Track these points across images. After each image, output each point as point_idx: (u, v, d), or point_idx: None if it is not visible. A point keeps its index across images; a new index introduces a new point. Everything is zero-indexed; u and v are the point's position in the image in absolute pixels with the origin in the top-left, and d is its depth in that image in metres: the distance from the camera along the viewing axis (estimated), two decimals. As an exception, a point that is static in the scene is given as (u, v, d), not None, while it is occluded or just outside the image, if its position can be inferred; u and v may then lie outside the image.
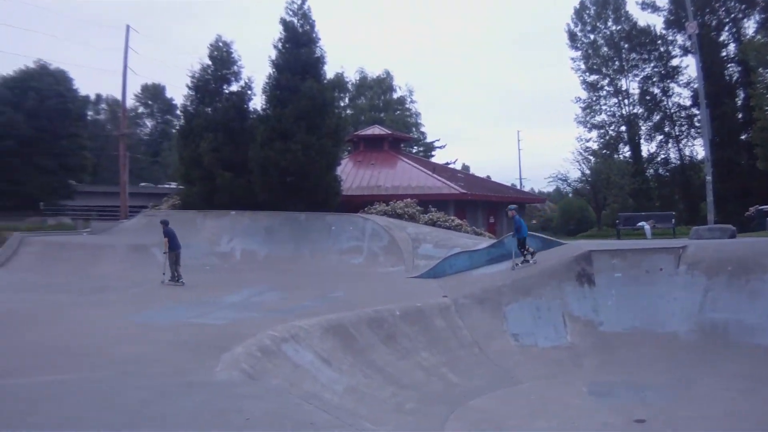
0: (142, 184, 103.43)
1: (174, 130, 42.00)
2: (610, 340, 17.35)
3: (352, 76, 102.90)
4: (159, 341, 12.59)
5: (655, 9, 72.79)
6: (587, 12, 78.28)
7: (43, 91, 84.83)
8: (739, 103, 68.74)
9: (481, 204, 47.39)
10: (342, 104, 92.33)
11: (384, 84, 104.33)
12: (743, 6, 66.95)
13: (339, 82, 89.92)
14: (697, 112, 66.41)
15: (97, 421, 7.12)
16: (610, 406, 13.56)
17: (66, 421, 7.20)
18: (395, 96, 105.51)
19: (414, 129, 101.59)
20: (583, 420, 12.36)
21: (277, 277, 25.92)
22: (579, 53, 78.85)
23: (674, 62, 75.29)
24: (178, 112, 45.80)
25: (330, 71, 38.62)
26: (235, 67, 39.88)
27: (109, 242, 31.64)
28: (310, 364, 12.74)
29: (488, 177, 74.00)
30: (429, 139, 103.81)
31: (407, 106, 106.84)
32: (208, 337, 12.98)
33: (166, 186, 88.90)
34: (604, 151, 77.10)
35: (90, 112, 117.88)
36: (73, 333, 13.46)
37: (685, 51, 70.62)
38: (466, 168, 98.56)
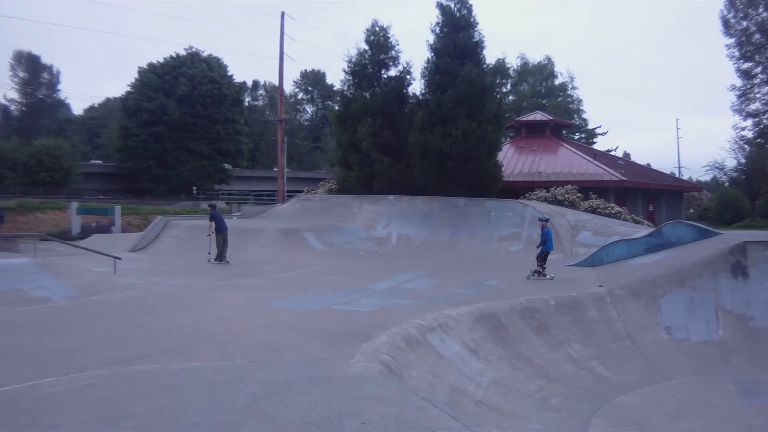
0: (290, 168, 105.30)
1: (335, 117, 42.89)
2: (761, 336, 16.61)
3: (513, 63, 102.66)
4: (298, 328, 12.59)
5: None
6: (739, -1, 74.57)
7: (195, 78, 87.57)
8: None
9: (641, 192, 46.37)
10: (504, 90, 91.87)
11: (545, 70, 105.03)
12: None
13: (500, 68, 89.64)
14: None
15: (198, 419, 6.90)
16: (757, 407, 13.00)
17: (162, 417, 7.03)
18: (556, 82, 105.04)
19: (576, 115, 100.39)
20: (729, 422, 11.87)
21: (432, 263, 25.75)
22: (733, 40, 75.14)
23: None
24: (338, 98, 46.37)
25: (490, 57, 38.72)
26: (393, 52, 40.52)
27: (259, 226, 32.20)
28: (456, 355, 12.51)
29: (648, 165, 72.26)
30: (590, 126, 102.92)
31: (569, 92, 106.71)
32: (350, 325, 12.84)
33: (325, 171, 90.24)
34: (759, 140, 73.80)
35: (248, 99, 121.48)
36: (212, 318, 13.57)
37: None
38: (626, 155, 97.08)
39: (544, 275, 21.60)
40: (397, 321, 12.88)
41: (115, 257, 20.41)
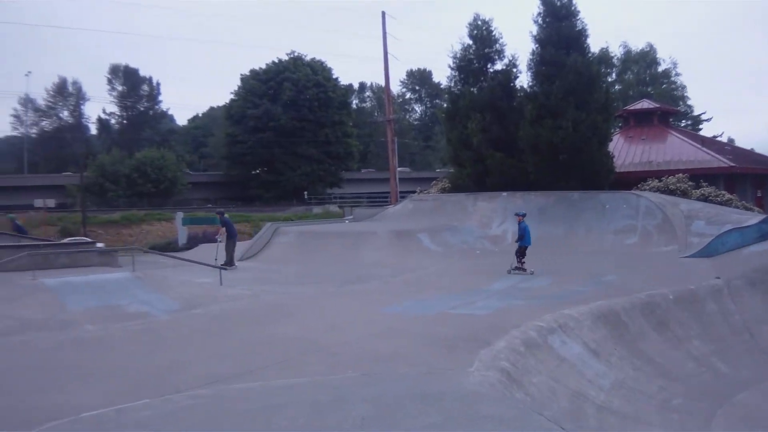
0: (401, 168, 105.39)
1: (443, 115, 43.17)
2: None
3: (616, 51, 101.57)
4: (414, 335, 12.25)
5: None
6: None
7: (299, 82, 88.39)
8: None
9: (750, 177, 45.22)
10: (609, 80, 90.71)
11: (648, 57, 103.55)
12: None
13: (604, 57, 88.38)
14: None
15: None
16: None
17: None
18: (659, 69, 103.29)
19: (681, 102, 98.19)
20: None
21: (548, 259, 25.28)
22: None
23: None
24: (446, 95, 46.48)
25: (594, 46, 38.10)
26: (497, 45, 40.30)
27: (372, 229, 32.03)
28: (577, 357, 12.33)
29: (752, 149, 70.17)
30: (695, 113, 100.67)
31: (672, 79, 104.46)
32: (467, 330, 12.51)
33: (437, 170, 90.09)
34: None
35: (355, 101, 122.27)
36: (323, 328, 13.30)
37: None
38: (731, 141, 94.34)
39: (524, 270, 22.19)
40: (516, 323, 12.67)
41: (221, 267, 20.21)
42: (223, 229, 26.50)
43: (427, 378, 9.21)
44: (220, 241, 26.45)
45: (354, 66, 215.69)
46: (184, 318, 14.68)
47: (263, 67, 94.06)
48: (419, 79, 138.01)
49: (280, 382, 9.14)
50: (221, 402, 8.10)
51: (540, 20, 37.30)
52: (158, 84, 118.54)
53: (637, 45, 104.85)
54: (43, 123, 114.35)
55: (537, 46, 37.09)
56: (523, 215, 24.11)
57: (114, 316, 14.31)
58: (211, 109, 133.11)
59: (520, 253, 22.76)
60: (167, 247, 40.23)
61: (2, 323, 13.25)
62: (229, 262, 25.43)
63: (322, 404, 7.77)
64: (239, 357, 10.81)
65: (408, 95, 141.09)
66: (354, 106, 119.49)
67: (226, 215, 28.02)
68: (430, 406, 7.59)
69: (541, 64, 36.52)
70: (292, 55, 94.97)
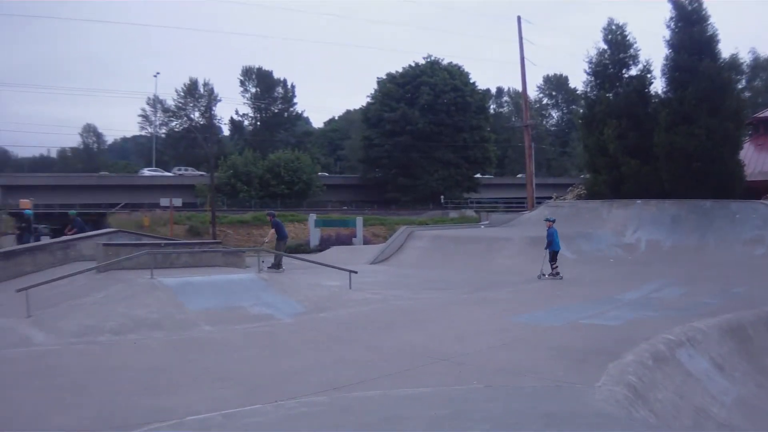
0: (548, 176, 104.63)
1: (579, 120, 43.10)
2: None
3: (745, 57, 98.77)
4: (541, 347, 11.90)
5: None
6: None
7: (437, 86, 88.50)
8: None
9: None
10: (739, 87, 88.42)
11: None
12: None
13: (734, 63, 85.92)
14: None
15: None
16: None
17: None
18: None
19: None
20: None
21: (680, 269, 25.25)
22: None
23: None
24: (582, 101, 46.29)
25: (723, 51, 37.39)
26: (632, 50, 40.22)
27: (507, 235, 31.85)
28: (703, 372, 11.79)
29: None
30: None
31: None
32: (597, 342, 12.17)
33: (573, 177, 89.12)
34: None
35: (493, 105, 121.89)
36: (451, 336, 12.99)
37: None
38: None
39: (556, 275, 23.20)
40: (646, 336, 12.26)
41: (351, 271, 20.03)
42: (272, 231, 26.47)
43: (552, 393, 8.92)
44: (267, 241, 27.09)
45: (491, 70, 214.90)
46: (308, 322, 14.56)
47: (400, 70, 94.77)
48: (555, 84, 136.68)
49: (401, 392, 8.86)
50: (336, 411, 7.85)
51: (672, 25, 37.04)
52: (293, 86, 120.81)
53: (766, 52, 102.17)
54: (173, 123, 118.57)
55: (670, 51, 36.91)
56: (553, 221, 24.91)
57: (235, 318, 14.37)
58: (348, 112, 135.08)
59: (552, 258, 23.56)
60: (298, 249, 40.61)
61: (116, 321, 13.49)
62: (277, 265, 24.97)
63: (442, 419, 7.39)
64: (362, 364, 10.59)
65: (545, 101, 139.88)
66: (491, 110, 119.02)
67: (276, 217, 28.13)
68: (552, 428, 7.18)
69: (674, 69, 36.31)
70: (428, 59, 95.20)
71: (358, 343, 12.33)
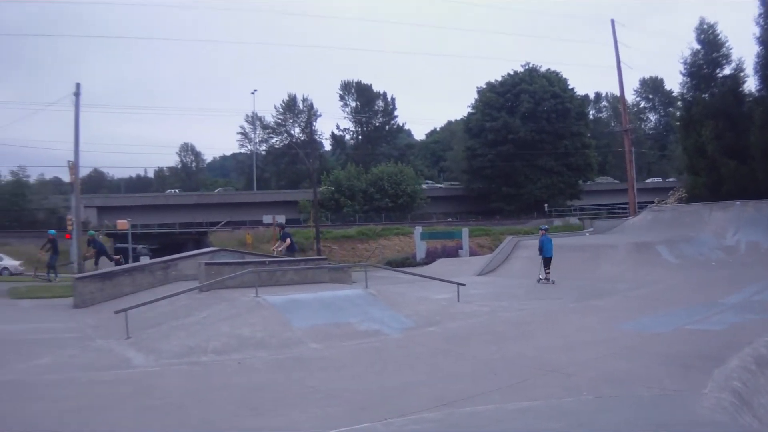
0: (649, 180, 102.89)
1: (677, 123, 42.68)
2: None
3: None
4: (648, 354, 11.81)
5: None
6: None
7: (536, 94, 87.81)
8: None
9: None
10: None
11: None
12: None
13: None
14: None
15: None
16: None
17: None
18: None
19: None
20: None
21: None
22: None
23: None
24: (679, 103, 45.84)
25: None
26: (724, 49, 39.66)
27: (611, 241, 31.35)
28: None
29: None
30: None
31: None
32: (702, 347, 12.05)
33: (674, 180, 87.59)
34: None
35: (592, 111, 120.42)
36: (559, 346, 12.84)
37: None
38: None
39: (547, 280, 24.84)
40: (749, 340, 12.14)
41: (458, 283, 19.77)
42: (288, 242, 27.36)
43: (661, 402, 8.72)
44: (280, 251, 27.07)
45: (587, 75, 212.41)
46: (417, 336, 14.34)
47: (499, 79, 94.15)
48: (652, 87, 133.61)
49: (512, 406, 8.65)
50: (447, 428, 7.68)
51: (761, 21, 36.15)
52: (393, 99, 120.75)
53: None
54: (273, 140, 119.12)
55: (761, 48, 36.09)
56: (546, 229, 27.18)
57: (342, 335, 14.20)
58: (449, 123, 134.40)
59: (545, 265, 25.30)
60: (404, 262, 40.47)
61: (219, 341, 13.45)
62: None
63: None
64: (472, 377, 10.48)
65: (642, 104, 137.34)
66: (591, 116, 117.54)
67: (286, 229, 29.08)
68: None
69: (766, 67, 35.62)
70: (526, 67, 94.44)
71: (467, 357, 12.17)
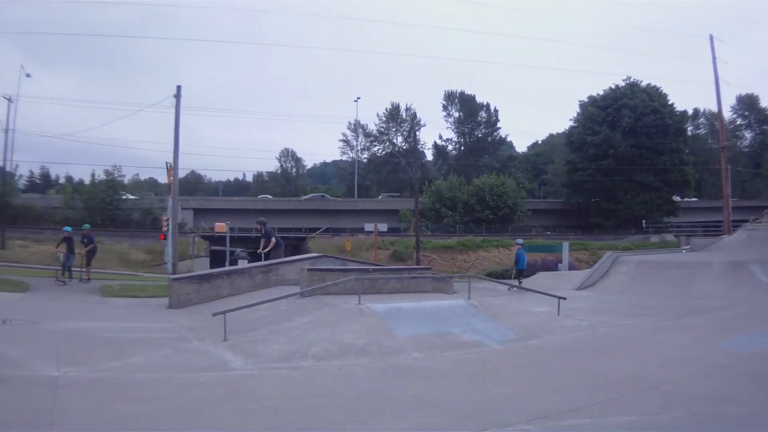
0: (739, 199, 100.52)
1: None
2: None
3: None
4: (743, 373, 11.49)
5: None
6: None
7: (637, 109, 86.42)
8: None
9: None
10: None
11: None
12: None
13: None
14: None
15: None
16: None
17: None
18: None
19: None
20: None
21: None
22: None
23: None
24: None
25: None
26: None
27: (707, 259, 30.30)
28: None
29: None
30: None
31: None
32: None
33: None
34: None
35: (689, 127, 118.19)
36: (656, 363, 12.59)
37: None
38: None
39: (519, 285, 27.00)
40: None
41: (559, 297, 19.56)
42: (273, 240, 25.55)
43: (753, 421, 8.79)
44: (262, 252, 25.82)
45: (685, 91, 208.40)
46: (517, 349, 14.18)
47: (600, 93, 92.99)
48: (747, 103, 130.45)
49: (610, 420, 8.70)
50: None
51: None
52: (496, 110, 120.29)
53: None
54: (375, 148, 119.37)
55: None
56: (521, 244, 31.94)
57: (444, 345, 14.02)
58: (551, 135, 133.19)
59: (517, 275, 29.61)
60: (504, 274, 40.28)
61: (320, 347, 13.30)
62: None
63: None
64: (570, 391, 10.38)
65: (738, 121, 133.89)
66: (688, 132, 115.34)
67: (268, 226, 27.08)
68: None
69: None
70: (627, 81, 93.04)
71: (566, 370, 12.08)
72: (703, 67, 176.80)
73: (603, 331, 16.59)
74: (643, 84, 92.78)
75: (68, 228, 31.02)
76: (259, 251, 26.47)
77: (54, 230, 51.96)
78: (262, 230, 26.43)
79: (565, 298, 19.60)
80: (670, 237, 71.45)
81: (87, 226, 32.32)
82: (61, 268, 29.10)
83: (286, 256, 26.88)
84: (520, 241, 33.60)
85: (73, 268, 29.42)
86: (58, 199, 72.58)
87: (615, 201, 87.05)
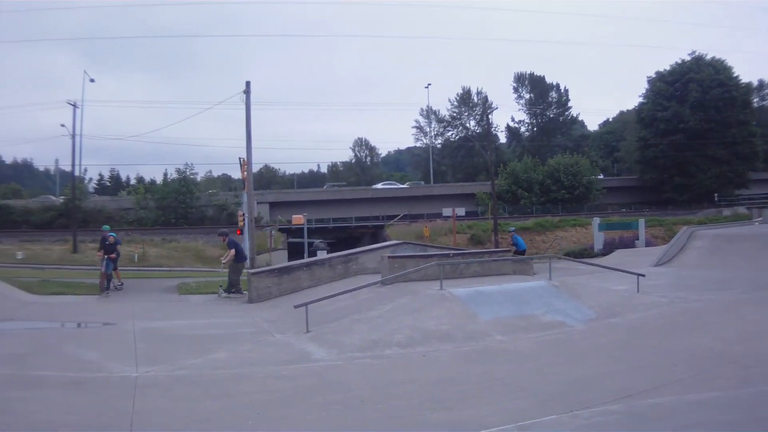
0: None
1: None
2: None
3: None
4: None
5: None
6: None
7: (703, 83, 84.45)
8: None
9: None
10: None
11: None
12: None
13: None
14: None
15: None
16: None
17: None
18: None
19: None
20: None
21: None
22: None
23: None
24: None
25: None
26: None
27: (783, 230, 29.57)
28: None
29: None
30: None
31: None
32: None
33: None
34: None
35: (755, 99, 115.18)
36: (735, 338, 12.32)
37: None
38: None
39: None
40: None
41: (638, 274, 19.13)
42: (232, 252, 23.70)
43: None
44: (224, 263, 24.58)
45: (750, 62, 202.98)
46: (599, 328, 14.00)
47: (667, 68, 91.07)
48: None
49: (691, 397, 8.53)
50: (630, 419, 7.66)
51: None
52: (566, 90, 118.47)
53: None
54: (449, 133, 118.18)
55: None
56: (513, 231, 34.29)
57: (527, 326, 13.84)
58: (621, 113, 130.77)
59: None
60: (582, 253, 39.85)
61: (403, 334, 13.12)
62: (237, 289, 23.26)
63: (735, 425, 7.16)
64: (652, 369, 10.23)
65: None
66: (755, 104, 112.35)
67: (231, 236, 25.58)
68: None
69: None
70: (693, 55, 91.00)
71: (647, 348, 11.91)
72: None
73: (681, 306, 16.25)
74: (708, 57, 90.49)
75: (106, 227, 28.79)
76: (221, 261, 25.69)
77: (126, 231, 53.37)
78: (224, 241, 25.04)
79: (643, 275, 19.14)
80: (742, 210, 69.53)
81: (107, 227, 29.18)
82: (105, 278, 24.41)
83: (364, 244, 26.66)
84: (512, 228, 36.89)
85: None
86: (129, 200, 73.53)
87: (687, 176, 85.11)
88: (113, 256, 24.83)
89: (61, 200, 68.39)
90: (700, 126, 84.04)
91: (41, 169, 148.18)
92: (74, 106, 52.31)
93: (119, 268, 26.35)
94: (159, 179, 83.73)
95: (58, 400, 8.96)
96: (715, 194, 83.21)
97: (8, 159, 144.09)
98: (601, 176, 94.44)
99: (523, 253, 28.39)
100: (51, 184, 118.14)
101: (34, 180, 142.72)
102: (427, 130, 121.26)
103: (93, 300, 21.79)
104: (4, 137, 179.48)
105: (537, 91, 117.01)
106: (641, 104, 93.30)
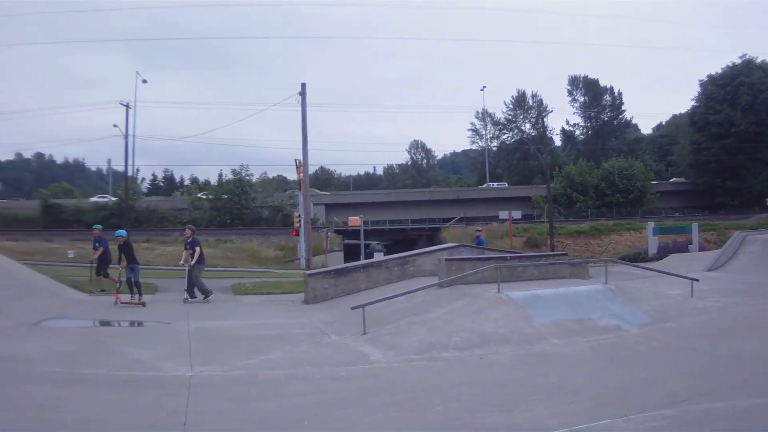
0: None
1: None
2: None
3: None
4: None
5: None
6: None
7: (754, 86, 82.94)
8: None
9: None
10: None
11: None
12: None
13: None
14: None
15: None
16: None
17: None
18: None
19: None
20: None
21: None
22: None
23: None
24: None
25: None
26: None
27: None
28: None
29: None
30: None
31: None
32: None
33: None
34: None
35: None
36: None
37: None
38: None
39: None
40: None
41: (692, 278, 18.86)
42: (197, 249, 21.73)
43: None
44: (182, 263, 22.61)
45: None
46: (654, 332, 13.77)
47: (719, 72, 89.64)
48: None
49: (744, 403, 8.39)
50: (684, 425, 7.60)
51: None
52: (620, 93, 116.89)
53: None
54: (504, 136, 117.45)
55: None
56: (480, 230, 35.81)
57: (583, 330, 13.64)
58: (674, 116, 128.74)
59: None
60: (637, 258, 39.45)
61: (461, 337, 12.91)
62: (205, 293, 21.66)
63: None
64: (705, 374, 10.10)
65: None
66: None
67: (196, 235, 22.98)
68: None
69: None
70: (743, 58, 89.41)
71: (701, 353, 11.76)
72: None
73: (734, 311, 15.97)
74: (758, 60, 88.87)
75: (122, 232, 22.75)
76: (181, 263, 22.97)
77: (180, 231, 51.60)
78: (189, 238, 22.46)
79: (697, 280, 18.84)
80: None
81: (98, 226, 25.36)
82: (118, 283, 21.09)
83: (420, 247, 26.44)
84: (479, 228, 38.95)
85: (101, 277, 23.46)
86: (183, 201, 73.35)
87: (739, 179, 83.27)
88: (125, 263, 21.45)
89: (112, 201, 69.45)
90: (751, 129, 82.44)
91: (93, 168, 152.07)
92: (127, 106, 52.71)
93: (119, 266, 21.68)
94: (213, 180, 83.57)
95: (110, 399, 8.92)
96: (766, 198, 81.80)
97: (59, 159, 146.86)
98: (655, 181, 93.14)
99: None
100: (103, 184, 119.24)
101: (85, 180, 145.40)
102: (483, 132, 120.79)
103: (147, 299, 21.13)
104: (56, 137, 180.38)
105: (591, 94, 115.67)
106: (693, 108, 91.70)
